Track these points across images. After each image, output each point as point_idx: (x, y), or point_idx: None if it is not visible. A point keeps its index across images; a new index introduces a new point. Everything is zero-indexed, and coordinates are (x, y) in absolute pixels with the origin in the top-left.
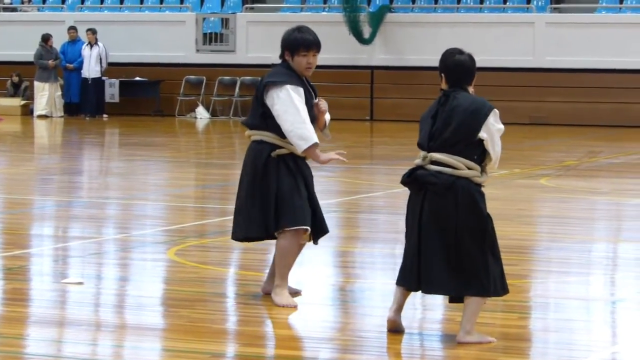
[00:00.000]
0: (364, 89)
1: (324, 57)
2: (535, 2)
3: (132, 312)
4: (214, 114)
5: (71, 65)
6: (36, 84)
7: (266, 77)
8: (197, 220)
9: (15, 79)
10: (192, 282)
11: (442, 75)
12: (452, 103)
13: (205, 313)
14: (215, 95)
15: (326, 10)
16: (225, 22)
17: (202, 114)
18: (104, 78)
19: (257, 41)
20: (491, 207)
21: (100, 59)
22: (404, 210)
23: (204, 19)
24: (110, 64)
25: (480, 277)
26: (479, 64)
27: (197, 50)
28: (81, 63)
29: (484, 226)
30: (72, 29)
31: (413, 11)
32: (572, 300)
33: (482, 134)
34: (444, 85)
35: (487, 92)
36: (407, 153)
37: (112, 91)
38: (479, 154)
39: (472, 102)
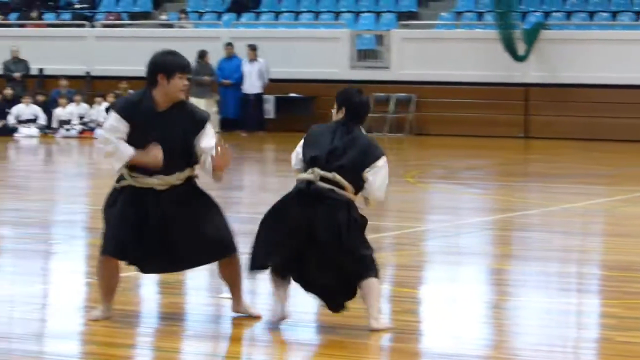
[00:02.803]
0: (518, 106)
1: (477, 74)
2: None
3: (287, 328)
4: (368, 130)
5: (228, 82)
6: (192, 99)
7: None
8: None
9: None
10: None
11: (343, 108)
12: (354, 134)
13: (361, 329)
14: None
15: (480, 27)
16: (379, 39)
17: None
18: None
19: (411, 58)
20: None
21: (262, 75)
22: (559, 228)
23: (359, 35)
24: (269, 80)
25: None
26: (634, 82)
27: (352, 67)
28: (238, 79)
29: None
30: (229, 45)
31: (568, 28)
32: None
33: (368, 175)
34: (339, 117)
35: None
36: (562, 171)
37: (268, 107)
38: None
39: (370, 141)
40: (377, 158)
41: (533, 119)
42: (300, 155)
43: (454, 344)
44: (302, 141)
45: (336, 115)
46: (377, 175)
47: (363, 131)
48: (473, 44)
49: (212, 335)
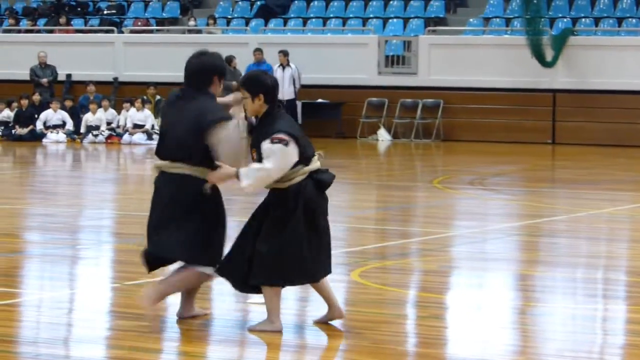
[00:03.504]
0: (546, 112)
1: (505, 80)
2: None
3: (313, 333)
4: (395, 136)
5: None
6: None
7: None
8: (378, 243)
9: None
10: (375, 303)
11: (261, 95)
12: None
13: (389, 335)
14: (397, 117)
15: (509, 33)
16: (407, 45)
17: (383, 136)
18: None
19: (439, 64)
20: None
21: (294, 81)
22: (586, 234)
23: (387, 41)
24: (300, 85)
25: None
26: None
27: (379, 73)
28: None
29: None
30: (258, 50)
31: (596, 34)
32: None
33: None
34: (262, 104)
35: None
36: (589, 177)
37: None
38: None
39: None
40: None
41: (560, 125)
42: (297, 157)
43: (480, 350)
44: (292, 144)
45: (254, 103)
46: None
47: None
48: (501, 49)
49: (238, 341)
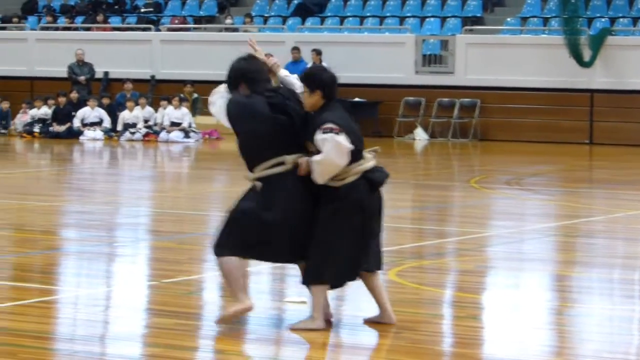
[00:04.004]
0: (583, 112)
1: (542, 80)
2: None
3: (349, 332)
4: (432, 135)
5: None
6: None
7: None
8: (415, 242)
9: None
10: (411, 303)
11: (319, 91)
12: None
13: (426, 334)
14: (434, 116)
15: (546, 32)
16: (444, 44)
17: (420, 136)
18: None
19: (476, 63)
20: None
21: None
22: (623, 235)
23: (424, 40)
24: None
25: None
26: None
27: (416, 72)
28: None
29: None
30: (296, 49)
31: (634, 34)
32: None
33: None
34: (320, 99)
35: None
36: (627, 177)
37: None
38: None
39: None
40: None
41: (598, 125)
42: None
43: (516, 350)
44: (342, 134)
45: (311, 98)
46: None
47: None
48: (538, 49)
49: (274, 339)
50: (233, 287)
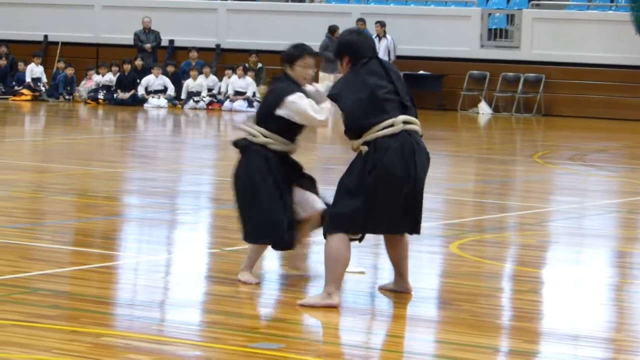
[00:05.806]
0: None
1: (607, 56)
2: None
3: (411, 304)
4: (496, 109)
5: None
6: (321, 74)
7: None
8: (477, 215)
9: None
10: (472, 276)
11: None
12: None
13: (486, 307)
14: (499, 91)
15: (613, 9)
16: (510, 18)
17: (484, 110)
18: None
19: (542, 38)
20: None
21: (389, 52)
22: None
23: (490, 14)
24: (395, 57)
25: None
26: None
27: (482, 46)
28: None
29: None
30: (361, 21)
31: None
32: None
33: None
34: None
35: None
36: None
37: None
38: None
39: None
40: None
41: None
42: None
43: (576, 325)
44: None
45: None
46: None
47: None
48: (605, 25)
49: (335, 309)
50: (328, 275)
